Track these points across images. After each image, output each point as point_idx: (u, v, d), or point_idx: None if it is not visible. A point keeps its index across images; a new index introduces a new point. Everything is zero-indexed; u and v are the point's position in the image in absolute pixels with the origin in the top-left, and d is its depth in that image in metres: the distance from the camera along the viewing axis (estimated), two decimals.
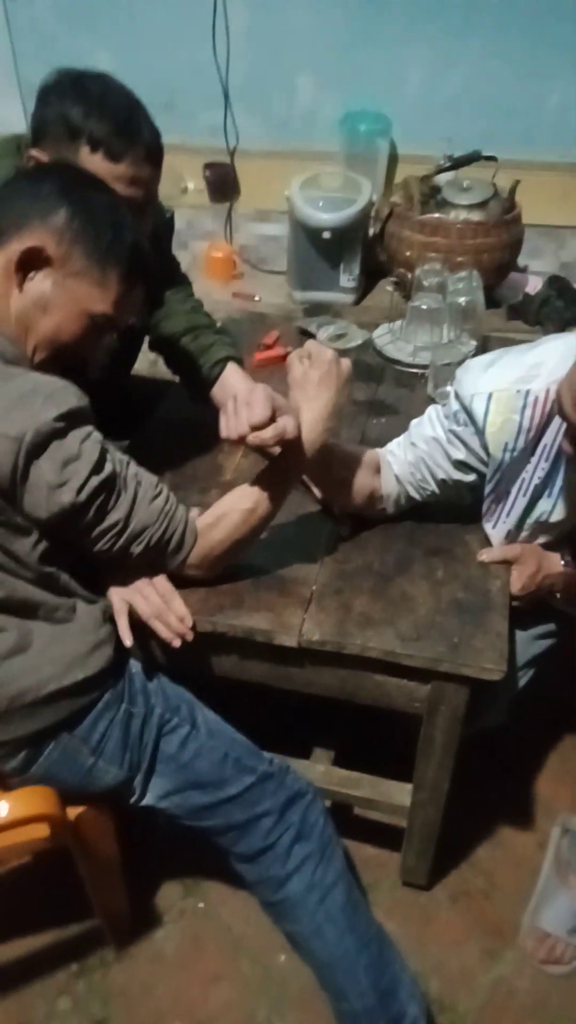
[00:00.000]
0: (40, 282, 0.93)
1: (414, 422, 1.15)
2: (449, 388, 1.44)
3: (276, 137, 2.41)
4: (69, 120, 1.03)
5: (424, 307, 1.50)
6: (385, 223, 2.15)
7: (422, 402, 1.47)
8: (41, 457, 0.87)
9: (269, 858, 1.08)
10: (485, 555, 1.12)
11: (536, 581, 1.11)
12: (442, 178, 2.16)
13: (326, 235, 2.02)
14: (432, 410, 1.12)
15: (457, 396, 1.04)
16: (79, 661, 0.97)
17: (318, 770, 1.29)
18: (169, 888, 1.37)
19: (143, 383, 1.56)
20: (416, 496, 1.15)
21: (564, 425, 0.95)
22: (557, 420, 0.97)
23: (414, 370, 1.54)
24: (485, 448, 1.03)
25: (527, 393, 0.97)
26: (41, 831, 1.04)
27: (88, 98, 1.04)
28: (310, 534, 1.19)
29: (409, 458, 1.12)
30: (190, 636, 1.00)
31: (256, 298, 2.25)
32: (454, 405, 1.05)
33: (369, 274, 2.24)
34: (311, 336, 1.65)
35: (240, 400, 0.93)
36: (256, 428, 0.91)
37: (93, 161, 1.05)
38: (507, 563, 1.11)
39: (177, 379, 1.44)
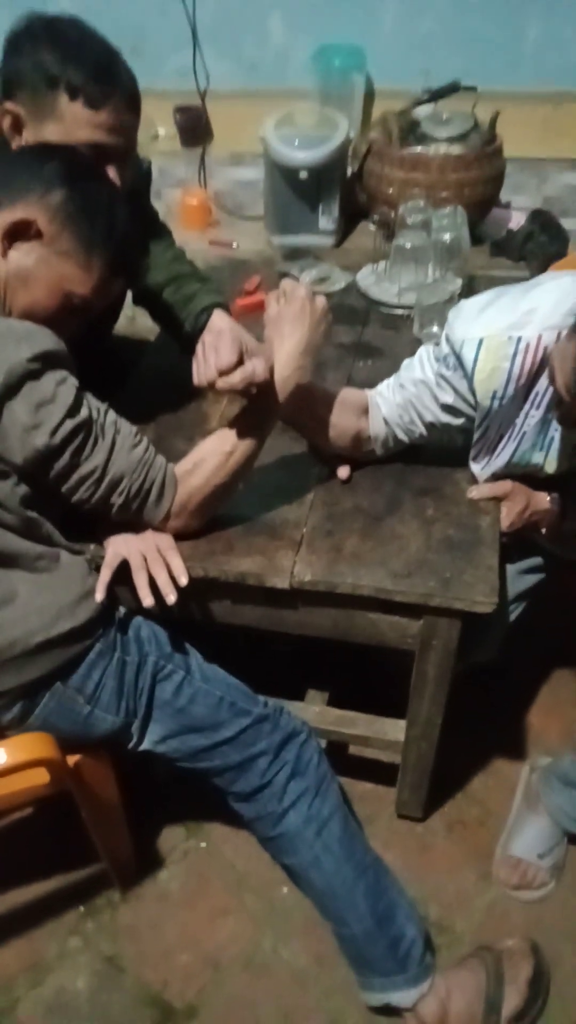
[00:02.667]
0: (25, 254, 0.93)
1: (405, 363, 1.13)
2: (435, 329, 1.44)
3: (248, 77, 2.33)
4: (45, 68, 0.99)
5: (408, 246, 1.47)
6: (364, 161, 2.09)
7: (408, 343, 1.46)
8: (15, 399, 0.86)
9: (266, 795, 1.11)
10: (475, 492, 1.12)
11: (524, 517, 1.11)
12: (421, 112, 2.09)
13: (303, 175, 1.96)
14: (423, 351, 1.10)
15: (448, 339, 1.02)
16: (67, 611, 0.97)
17: (313, 711, 1.31)
18: (172, 830, 1.40)
19: (123, 342, 1.54)
20: (404, 438, 1.15)
21: None
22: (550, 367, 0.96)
23: (399, 311, 1.52)
24: (473, 394, 1.02)
25: (518, 340, 0.95)
26: (41, 777, 1.05)
27: (64, 44, 1.00)
28: (299, 477, 1.19)
29: (397, 400, 1.11)
30: (172, 599, 0.99)
31: (234, 245, 2.20)
32: (445, 348, 1.03)
33: (349, 215, 2.19)
34: (293, 279, 1.62)
35: (208, 345, 0.93)
36: (224, 372, 0.91)
37: (73, 109, 1.01)
38: (496, 500, 1.12)
39: (155, 335, 1.42)
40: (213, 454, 1.01)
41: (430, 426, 1.11)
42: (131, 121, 1.07)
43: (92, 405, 0.93)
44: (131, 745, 1.09)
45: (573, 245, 2.18)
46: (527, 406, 1.02)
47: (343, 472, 1.17)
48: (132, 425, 0.99)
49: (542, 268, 2.11)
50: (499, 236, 2.13)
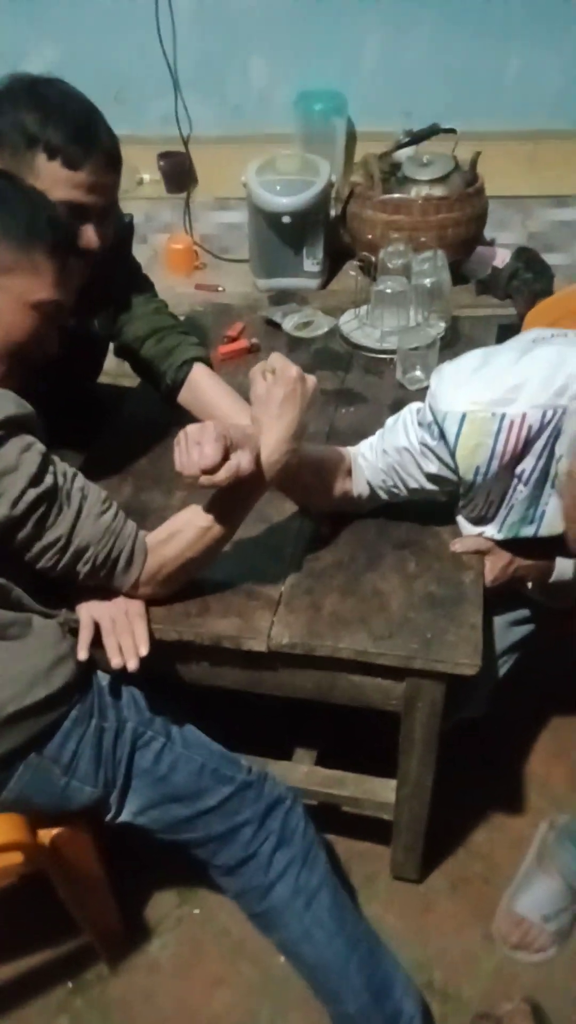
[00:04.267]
0: None
1: (389, 422, 1.10)
2: (418, 373, 1.43)
3: (230, 122, 2.35)
4: (25, 128, 1.01)
5: (389, 291, 1.46)
6: (346, 204, 2.10)
7: (391, 388, 1.45)
8: None
9: (251, 867, 1.07)
10: (458, 545, 1.10)
11: (508, 572, 1.08)
12: (402, 154, 2.11)
13: (286, 219, 1.98)
14: (407, 413, 1.06)
15: (431, 409, 0.97)
16: (41, 677, 0.95)
17: (300, 771, 1.27)
18: (163, 897, 1.36)
19: (105, 389, 1.53)
20: (387, 499, 1.13)
21: (545, 451, 0.92)
22: (537, 445, 0.92)
23: (382, 356, 1.51)
24: (455, 469, 0.99)
25: (502, 417, 0.91)
26: (15, 858, 1.02)
27: (44, 105, 1.02)
28: (278, 533, 1.17)
29: (380, 465, 1.08)
30: (132, 666, 0.96)
31: (220, 288, 2.21)
32: (428, 415, 0.99)
33: (334, 257, 2.20)
34: (276, 326, 1.62)
35: (190, 439, 0.88)
36: (207, 472, 0.86)
37: (51, 168, 1.02)
38: (480, 553, 1.09)
39: (136, 381, 1.42)
40: (190, 527, 0.97)
41: (414, 491, 1.08)
42: (110, 180, 1.09)
43: (58, 471, 0.91)
44: (109, 817, 1.06)
45: (559, 281, 2.17)
46: (514, 482, 0.98)
47: (326, 528, 1.15)
48: (102, 491, 0.97)
49: (528, 305, 2.09)
50: (484, 274, 2.13)
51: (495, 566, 1.08)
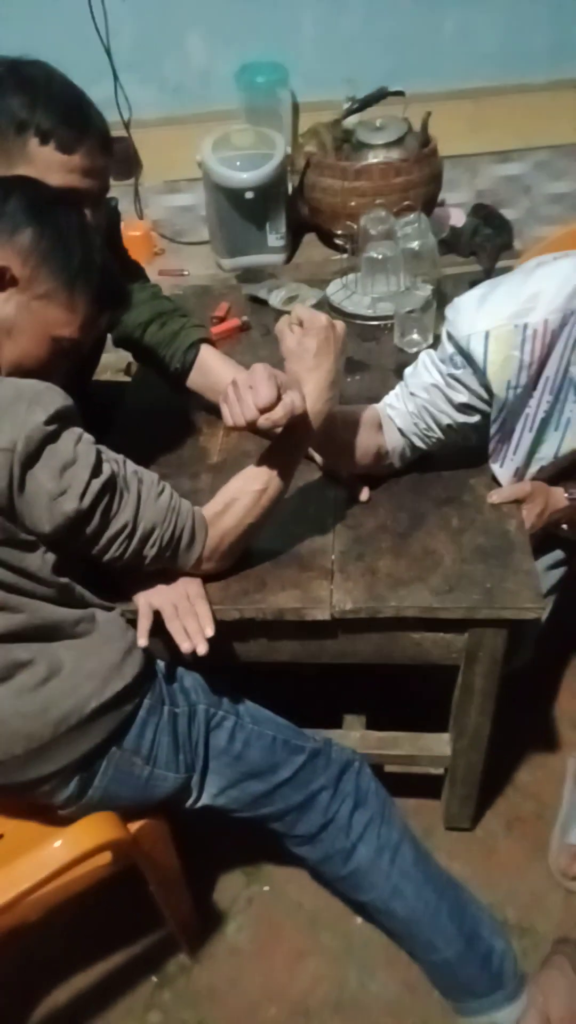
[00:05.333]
0: (3, 303, 0.88)
1: (408, 371, 1.12)
2: (416, 336, 1.44)
3: (171, 102, 2.31)
4: (13, 112, 0.96)
5: (379, 256, 1.46)
6: (303, 175, 2.10)
7: (391, 353, 1.45)
8: (36, 466, 0.82)
9: (332, 832, 1.08)
10: (495, 496, 1.12)
11: (544, 518, 1.11)
12: (351, 121, 2.11)
13: (249, 195, 1.96)
14: (425, 356, 1.09)
15: (451, 338, 1.01)
16: (115, 671, 0.94)
17: (353, 737, 1.29)
18: (230, 878, 1.36)
19: (104, 386, 1.50)
20: (422, 446, 1.14)
21: (566, 355, 0.94)
22: (558, 351, 0.96)
23: (374, 322, 1.52)
24: (487, 388, 1.01)
25: (525, 327, 0.95)
26: (104, 858, 1.01)
27: (31, 87, 0.97)
28: (315, 502, 1.17)
29: (410, 408, 1.10)
30: (202, 650, 0.95)
31: (184, 272, 2.18)
32: (449, 348, 1.02)
33: (294, 230, 2.19)
34: (262, 303, 1.61)
35: (242, 384, 0.89)
36: (265, 410, 0.87)
37: (44, 153, 0.98)
38: (517, 502, 1.12)
39: (130, 378, 1.39)
40: (244, 493, 0.98)
41: (447, 428, 1.10)
42: (104, 163, 1.05)
43: (111, 458, 0.90)
44: (190, 802, 1.05)
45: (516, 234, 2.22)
46: (538, 392, 1.02)
47: (364, 495, 1.15)
48: (151, 472, 0.95)
49: (492, 260, 2.15)
50: (444, 234, 2.16)
51: (531, 513, 1.11)
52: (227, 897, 1.33)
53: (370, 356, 1.46)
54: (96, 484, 0.85)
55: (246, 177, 1.93)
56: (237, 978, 1.24)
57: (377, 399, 1.16)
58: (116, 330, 1.32)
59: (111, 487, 0.87)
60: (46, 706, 0.89)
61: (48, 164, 0.99)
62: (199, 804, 1.06)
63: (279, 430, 0.94)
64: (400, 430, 1.12)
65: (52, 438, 0.83)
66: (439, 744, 1.26)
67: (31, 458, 0.82)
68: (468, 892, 1.15)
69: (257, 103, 2.23)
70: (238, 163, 1.95)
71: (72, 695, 0.90)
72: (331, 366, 0.96)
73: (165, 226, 2.41)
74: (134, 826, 1.03)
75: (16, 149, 0.98)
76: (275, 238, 2.09)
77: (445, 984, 1.13)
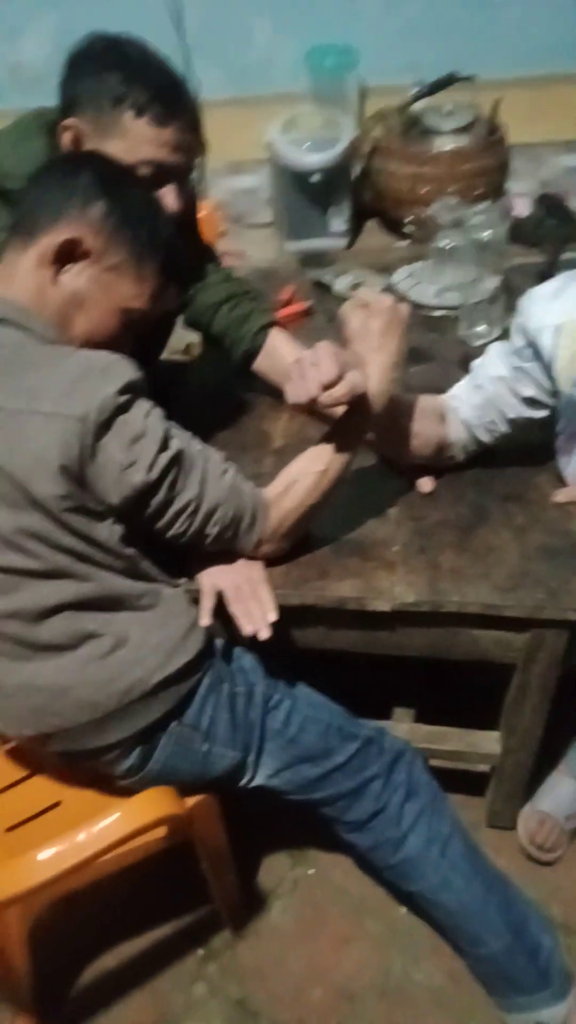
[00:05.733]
0: (76, 276, 0.91)
1: (476, 363, 1.11)
2: (482, 328, 1.42)
3: (239, 84, 2.30)
4: (110, 86, 0.99)
5: (449, 245, 1.44)
6: (369, 160, 2.07)
7: (455, 345, 1.44)
8: (107, 436, 0.83)
9: (382, 821, 1.09)
10: (561, 496, 1.10)
11: None
12: (418, 106, 2.08)
13: (314, 178, 1.95)
14: (495, 348, 1.08)
15: (521, 330, 1.00)
16: (178, 646, 0.95)
17: (402, 729, 1.29)
18: (275, 860, 1.38)
19: (170, 365, 1.51)
20: (486, 439, 1.13)
21: None
22: None
23: (440, 312, 1.50)
24: (553, 383, 1.00)
25: None
26: (159, 832, 1.04)
27: (127, 63, 1.00)
28: (376, 492, 1.17)
29: (476, 401, 1.09)
30: (265, 634, 0.95)
31: (246, 254, 2.17)
32: (518, 340, 1.01)
33: (356, 216, 2.17)
34: (326, 288, 1.60)
35: (306, 361, 0.90)
36: (327, 387, 0.88)
37: (138, 126, 1.00)
38: None
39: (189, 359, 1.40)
40: (305, 474, 0.98)
41: (512, 423, 1.09)
42: (194, 140, 1.07)
43: (178, 434, 0.91)
44: (244, 781, 1.07)
45: None
46: None
47: (427, 486, 1.15)
48: (218, 452, 0.96)
49: (557, 252, 2.09)
50: (507, 225, 2.11)
51: None
52: (272, 878, 1.35)
53: (434, 347, 1.45)
54: (164, 458, 0.86)
55: (313, 159, 1.92)
56: (281, 958, 1.26)
57: (440, 391, 1.15)
58: (188, 310, 1.33)
59: (178, 462, 0.88)
60: (112, 677, 0.91)
61: (141, 137, 1.02)
62: (253, 784, 1.07)
63: (341, 410, 0.95)
64: (464, 422, 1.11)
65: (123, 409, 0.84)
66: (488, 742, 1.26)
67: (103, 428, 0.83)
68: (516, 888, 1.14)
69: (325, 86, 2.22)
70: (305, 145, 1.94)
71: (137, 667, 0.92)
72: (395, 347, 0.97)
73: (228, 207, 2.41)
74: (189, 802, 1.05)
75: (111, 122, 1.01)
76: (338, 223, 2.07)
77: (491, 978, 1.13)
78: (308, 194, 2.01)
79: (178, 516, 0.91)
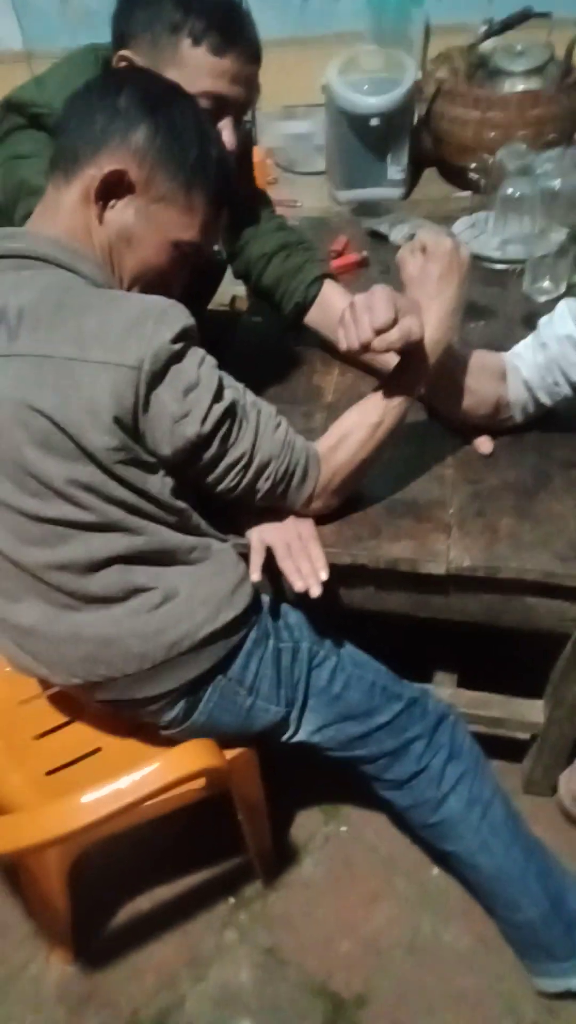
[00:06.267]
0: (122, 211, 0.85)
1: (543, 320, 1.06)
2: (547, 283, 1.35)
3: (296, 22, 2.19)
4: (166, 15, 0.96)
5: (515, 194, 1.37)
6: (431, 104, 1.97)
7: (518, 301, 1.37)
8: (161, 386, 0.80)
9: (423, 781, 1.08)
10: None
11: None
12: (488, 45, 1.96)
13: (374, 122, 1.85)
14: (563, 305, 1.03)
15: None
16: (226, 600, 0.94)
17: (444, 693, 1.27)
18: (308, 815, 1.39)
19: (219, 316, 1.48)
20: (547, 401, 1.08)
21: None
22: None
23: (501, 266, 1.43)
24: None
25: None
26: (199, 782, 1.04)
27: None
28: (432, 452, 1.13)
29: (539, 360, 1.04)
30: (316, 591, 0.94)
31: (297, 203, 2.10)
32: None
33: (413, 164, 2.08)
34: (382, 238, 1.54)
35: (359, 305, 0.86)
36: (380, 331, 0.84)
37: (195, 55, 0.96)
38: None
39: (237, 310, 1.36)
40: (359, 427, 0.95)
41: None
42: (253, 72, 1.03)
43: (231, 385, 0.87)
44: (286, 736, 1.07)
45: None
46: None
47: (486, 447, 1.11)
48: (270, 405, 0.93)
49: None
50: None
51: None
52: (305, 833, 1.36)
53: (495, 302, 1.39)
54: (218, 409, 0.83)
55: (373, 102, 1.83)
56: (311, 911, 1.27)
57: (500, 350, 1.10)
58: (238, 260, 1.29)
59: (231, 414, 0.85)
60: (161, 628, 0.90)
61: (198, 67, 0.97)
62: (295, 739, 1.07)
63: (394, 360, 0.92)
64: (525, 382, 1.06)
65: (177, 357, 0.80)
66: (532, 710, 1.24)
67: (157, 377, 0.79)
68: (555, 857, 1.14)
69: (387, 24, 2.10)
70: (365, 87, 1.85)
71: (186, 620, 0.91)
72: (454, 294, 0.92)
73: (279, 154, 2.32)
74: (229, 755, 1.05)
75: (168, 51, 0.97)
76: (396, 171, 1.98)
77: (524, 944, 1.13)
78: (365, 140, 1.92)
79: (229, 470, 0.88)
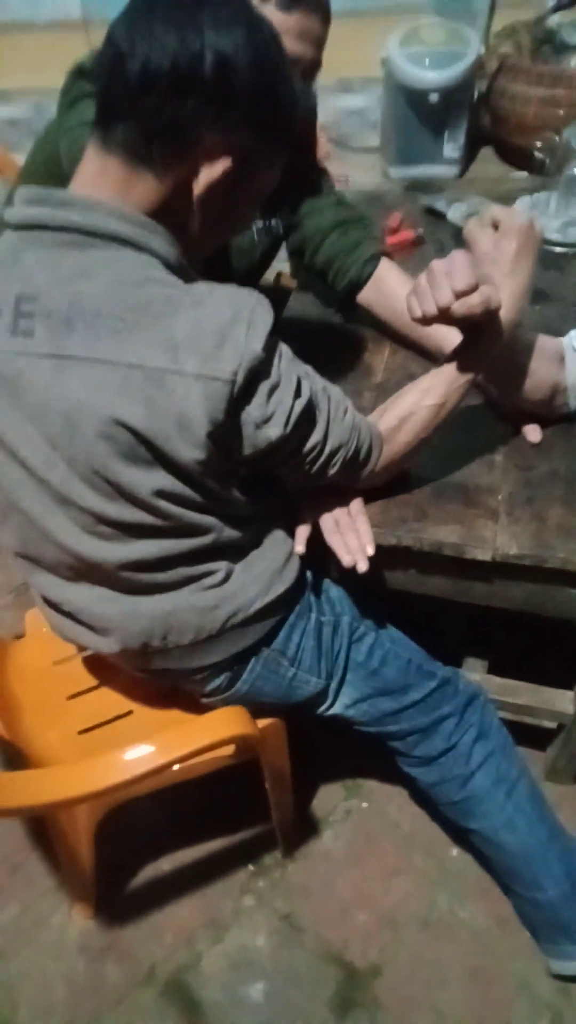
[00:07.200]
0: (205, 178, 0.74)
1: None
2: None
3: None
4: None
5: None
6: (492, 80, 1.93)
7: None
8: (249, 395, 0.75)
9: (452, 758, 1.09)
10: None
11: None
12: (556, 19, 1.92)
13: (433, 97, 1.83)
14: None
15: None
16: (277, 575, 0.95)
17: (474, 678, 1.27)
18: (330, 789, 1.40)
19: (269, 290, 1.46)
20: None
21: None
22: None
23: (561, 249, 1.41)
24: None
25: None
26: (228, 750, 1.06)
27: None
28: (482, 437, 1.12)
29: None
30: (363, 567, 0.93)
31: (348, 179, 2.07)
32: None
33: (469, 142, 2.04)
34: (440, 215, 1.51)
35: (438, 269, 0.83)
36: (461, 295, 0.81)
37: (264, 9, 0.96)
38: None
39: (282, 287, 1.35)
40: (422, 407, 0.93)
41: None
42: (320, 31, 1.03)
43: (303, 371, 0.84)
44: (323, 708, 1.08)
45: None
46: None
47: (535, 435, 1.10)
48: (335, 386, 0.90)
49: None
50: None
51: None
52: (326, 806, 1.38)
53: (553, 286, 1.36)
54: (299, 407, 0.79)
55: (434, 77, 1.80)
56: (330, 882, 1.29)
57: (557, 335, 1.08)
58: (294, 235, 1.27)
59: (309, 409, 0.82)
60: (218, 603, 0.91)
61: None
62: (331, 712, 1.08)
63: (451, 341, 0.90)
64: None
65: (267, 364, 0.75)
66: (562, 700, 1.24)
67: (248, 389, 0.74)
68: None
69: None
70: (427, 61, 1.81)
71: (242, 594, 0.92)
72: (527, 273, 0.90)
73: (332, 129, 2.29)
74: (261, 723, 1.06)
75: None
76: (452, 148, 1.95)
77: (542, 924, 1.14)
78: (423, 116, 1.89)
79: (303, 460, 0.86)
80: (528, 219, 0.90)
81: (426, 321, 0.87)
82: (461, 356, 0.93)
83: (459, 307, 0.82)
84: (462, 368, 0.93)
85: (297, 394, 0.79)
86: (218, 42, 0.69)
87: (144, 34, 0.68)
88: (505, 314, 0.89)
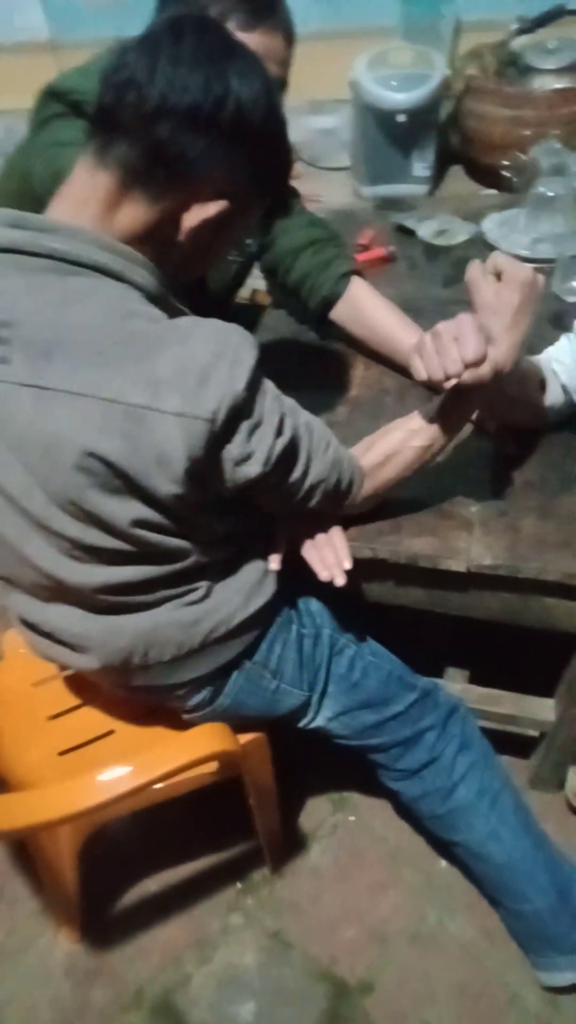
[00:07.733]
0: (197, 215, 0.75)
1: None
2: None
3: (325, 15, 2.18)
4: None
5: (550, 193, 1.37)
6: (459, 101, 1.97)
7: (547, 300, 1.36)
8: (230, 435, 0.75)
9: (434, 770, 1.10)
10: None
11: None
12: (519, 43, 1.96)
13: (400, 118, 1.86)
14: None
15: None
16: (256, 588, 0.95)
17: (455, 688, 1.29)
18: (317, 804, 1.40)
19: (243, 308, 1.48)
20: None
21: None
22: None
23: (532, 265, 1.42)
24: None
25: None
26: (211, 766, 1.06)
27: None
28: (460, 451, 1.13)
29: None
30: (340, 581, 0.93)
31: (320, 198, 2.10)
32: None
33: (439, 161, 2.08)
34: (410, 233, 1.54)
35: (446, 334, 0.82)
36: (471, 365, 0.81)
37: None
38: None
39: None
40: (408, 448, 0.94)
41: None
42: (283, 51, 1.04)
43: (286, 407, 0.82)
44: (304, 722, 1.08)
45: None
46: None
47: (512, 448, 1.11)
48: (317, 419, 0.90)
49: None
50: None
51: None
52: (313, 821, 1.38)
53: None
54: (280, 445, 0.79)
55: (401, 98, 1.84)
56: (317, 897, 1.29)
57: (533, 349, 1.10)
58: (267, 255, 1.29)
59: (291, 446, 0.82)
60: (199, 618, 0.91)
61: None
62: (312, 725, 1.09)
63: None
64: (564, 386, 1.06)
65: (248, 403, 0.74)
66: (543, 708, 1.25)
67: (228, 428, 0.74)
68: (562, 851, 1.15)
69: (417, 20, 2.10)
70: (393, 83, 1.85)
71: (222, 609, 0.92)
72: (527, 325, 0.89)
73: (304, 149, 2.32)
74: (243, 739, 1.07)
75: None
76: (421, 167, 1.99)
77: (529, 935, 1.14)
78: (392, 136, 1.93)
79: (284, 494, 0.87)
80: (531, 271, 0.88)
81: (435, 385, 0.86)
82: (451, 404, 0.92)
83: (469, 376, 0.82)
84: (452, 416, 0.93)
85: (279, 432, 0.79)
86: (241, 91, 0.71)
87: (168, 66, 0.70)
88: (504, 366, 0.88)
